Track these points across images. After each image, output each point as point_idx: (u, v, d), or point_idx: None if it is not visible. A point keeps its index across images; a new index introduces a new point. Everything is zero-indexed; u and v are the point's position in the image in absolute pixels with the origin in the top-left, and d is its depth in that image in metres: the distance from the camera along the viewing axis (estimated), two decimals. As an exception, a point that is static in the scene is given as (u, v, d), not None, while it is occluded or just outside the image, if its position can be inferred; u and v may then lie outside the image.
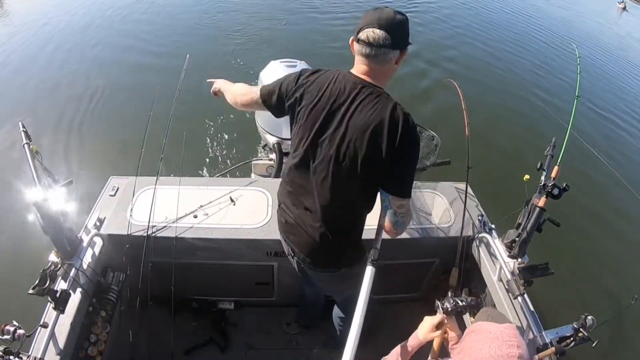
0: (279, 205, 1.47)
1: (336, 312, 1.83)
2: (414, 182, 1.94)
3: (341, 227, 1.31)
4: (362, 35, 1.15)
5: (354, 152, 1.17)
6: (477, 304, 1.16)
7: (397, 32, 1.14)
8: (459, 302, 1.20)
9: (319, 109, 1.23)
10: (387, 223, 1.26)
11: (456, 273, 1.28)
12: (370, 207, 1.33)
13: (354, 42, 1.19)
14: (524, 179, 1.66)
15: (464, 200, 1.91)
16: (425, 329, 1.21)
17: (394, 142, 1.13)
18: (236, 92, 1.55)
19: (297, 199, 1.34)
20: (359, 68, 1.21)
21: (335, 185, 1.23)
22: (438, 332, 1.19)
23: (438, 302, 1.22)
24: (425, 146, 1.71)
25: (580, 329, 1.31)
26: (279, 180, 1.51)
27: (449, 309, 1.19)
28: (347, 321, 1.72)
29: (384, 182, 1.21)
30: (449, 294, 1.19)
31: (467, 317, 1.79)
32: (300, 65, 2.52)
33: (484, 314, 1.00)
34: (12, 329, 1.12)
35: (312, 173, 1.27)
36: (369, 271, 1.23)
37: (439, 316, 1.21)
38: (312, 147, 1.25)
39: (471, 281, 1.91)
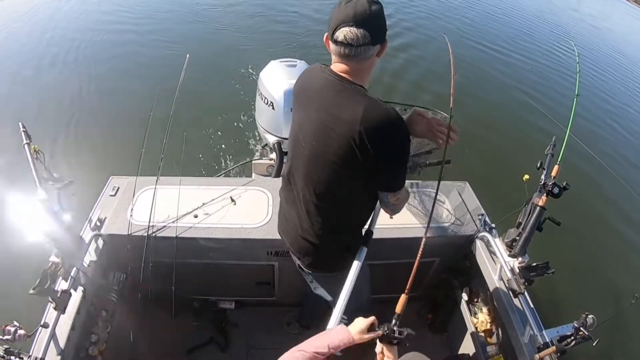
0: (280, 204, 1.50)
1: None
2: (414, 182, 1.91)
3: (328, 230, 1.30)
4: (339, 35, 1.05)
5: (339, 153, 1.12)
6: (413, 338, 1.10)
7: (375, 26, 1.05)
8: (396, 332, 1.09)
9: (302, 111, 1.23)
10: (385, 210, 1.32)
11: (403, 300, 1.14)
12: (361, 209, 1.31)
13: (329, 42, 1.10)
14: (524, 178, 1.65)
15: (463, 199, 1.91)
16: (359, 328, 1.08)
17: (378, 144, 1.07)
18: None
19: (290, 199, 1.36)
20: (338, 67, 1.13)
21: (320, 187, 1.22)
22: (369, 336, 1.07)
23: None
24: (425, 143, 1.63)
25: (581, 328, 1.30)
26: (280, 180, 1.51)
27: (388, 334, 1.09)
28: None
29: (377, 182, 1.19)
30: (393, 321, 1.13)
31: None
32: (300, 64, 2.50)
33: None
34: (12, 329, 1.13)
35: (299, 176, 1.27)
36: (362, 251, 1.32)
37: (371, 318, 1.10)
38: (299, 151, 1.24)
39: (471, 280, 1.91)
